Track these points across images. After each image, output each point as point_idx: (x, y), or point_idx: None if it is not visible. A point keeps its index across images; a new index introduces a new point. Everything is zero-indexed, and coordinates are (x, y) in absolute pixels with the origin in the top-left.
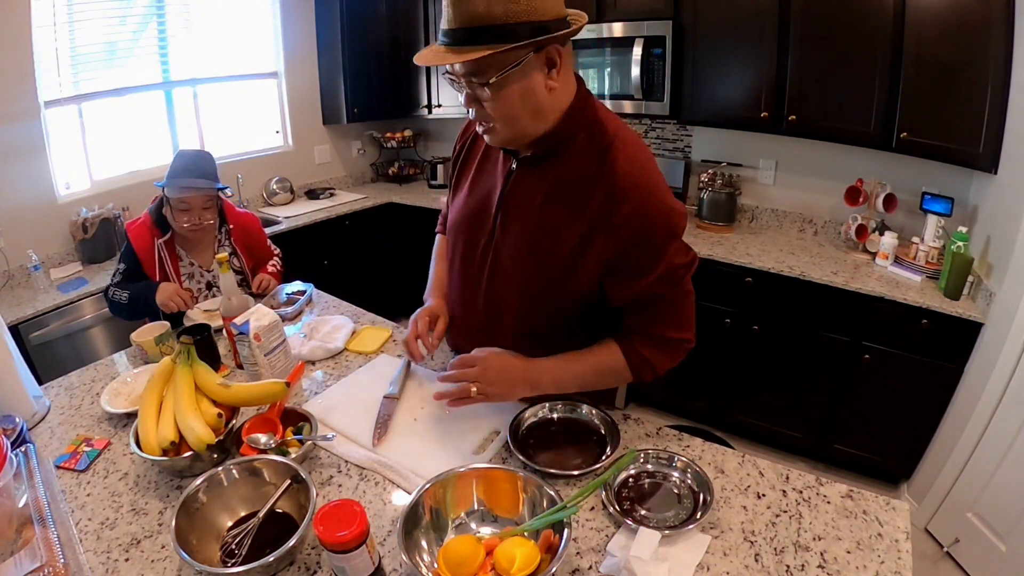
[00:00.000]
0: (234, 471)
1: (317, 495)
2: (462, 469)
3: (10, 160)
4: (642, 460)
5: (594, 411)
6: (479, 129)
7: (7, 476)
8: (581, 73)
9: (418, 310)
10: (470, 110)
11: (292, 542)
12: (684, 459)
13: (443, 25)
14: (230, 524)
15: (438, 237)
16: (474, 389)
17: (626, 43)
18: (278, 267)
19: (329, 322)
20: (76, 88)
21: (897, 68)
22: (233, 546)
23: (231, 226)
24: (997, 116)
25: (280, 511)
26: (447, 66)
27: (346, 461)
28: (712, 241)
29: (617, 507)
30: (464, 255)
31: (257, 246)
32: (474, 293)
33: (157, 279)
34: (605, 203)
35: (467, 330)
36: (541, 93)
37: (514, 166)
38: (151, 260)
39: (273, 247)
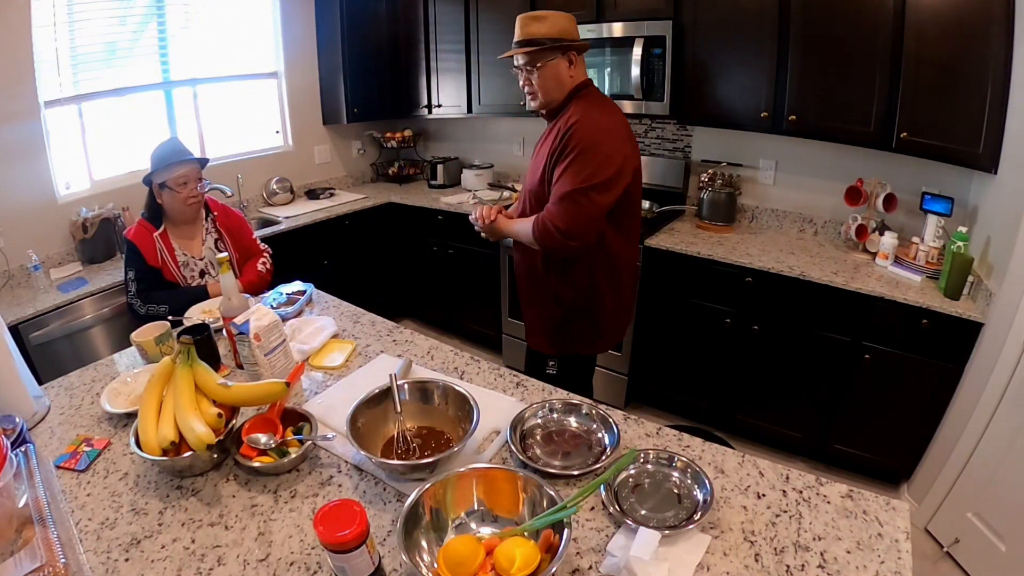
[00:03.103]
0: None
1: (319, 495)
2: (462, 469)
3: (10, 160)
4: (642, 460)
5: (594, 411)
6: (528, 98)
7: (7, 476)
8: None
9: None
10: (524, 87)
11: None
12: (684, 459)
13: (515, 38)
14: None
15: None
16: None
17: (626, 43)
18: (268, 265)
19: (313, 323)
20: (76, 88)
21: (897, 68)
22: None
23: (215, 213)
24: (997, 116)
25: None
26: (515, 59)
27: (346, 461)
28: (712, 241)
29: (617, 507)
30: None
31: (239, 229)
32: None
33: (161, 269)
34: (565, 133)
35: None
36: (565, 78)
37: (543, 114)
38: (154, 254)
39: (263, 245)
